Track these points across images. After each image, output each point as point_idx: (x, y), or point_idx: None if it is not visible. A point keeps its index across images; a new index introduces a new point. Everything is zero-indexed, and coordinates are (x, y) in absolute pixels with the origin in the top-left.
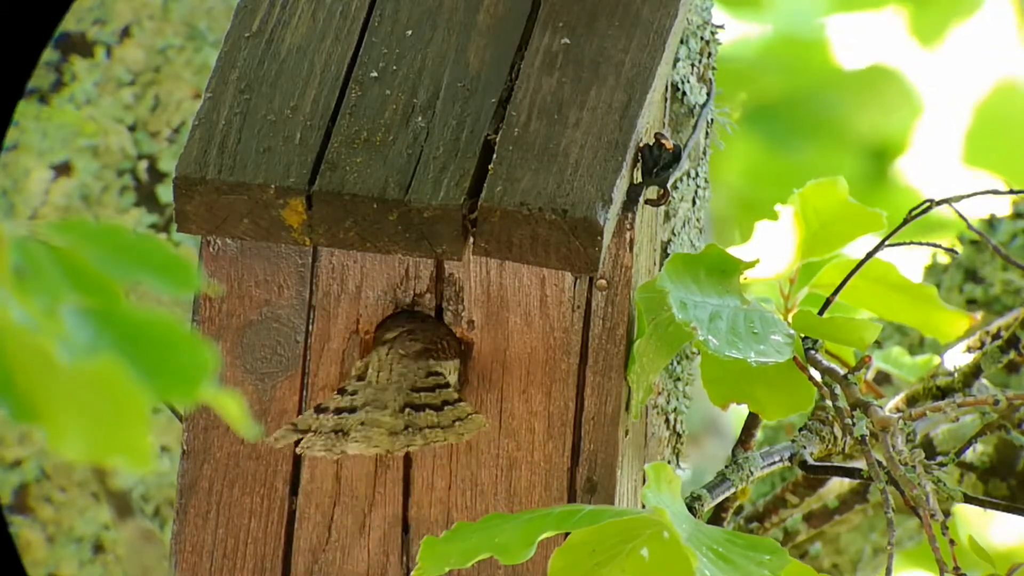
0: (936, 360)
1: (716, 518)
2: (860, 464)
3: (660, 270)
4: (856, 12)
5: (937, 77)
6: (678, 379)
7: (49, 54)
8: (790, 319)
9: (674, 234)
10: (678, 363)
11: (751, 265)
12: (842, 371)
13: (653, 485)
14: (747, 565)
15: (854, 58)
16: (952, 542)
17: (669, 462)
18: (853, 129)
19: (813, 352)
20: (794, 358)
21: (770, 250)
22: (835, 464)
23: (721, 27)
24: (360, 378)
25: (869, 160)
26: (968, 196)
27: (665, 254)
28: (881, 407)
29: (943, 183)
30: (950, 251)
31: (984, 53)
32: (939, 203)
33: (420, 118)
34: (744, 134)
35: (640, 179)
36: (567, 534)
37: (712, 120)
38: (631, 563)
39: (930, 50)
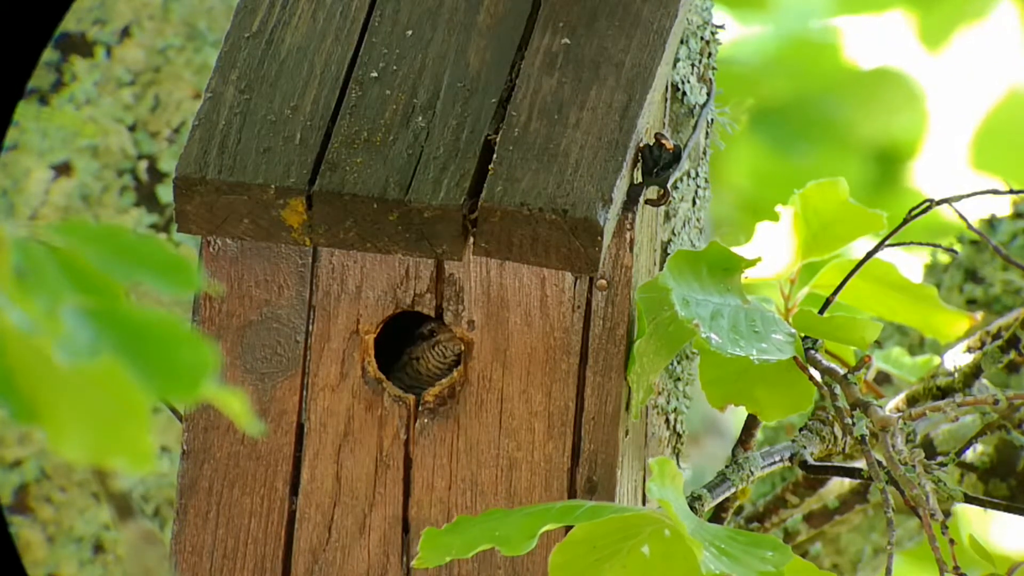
0: (936, 360)
1: (716, 518)
2: (860, 464)
3: (660, 270)
4: (861, 14)
5: (944, 81)
6: (678, 379)
7: (49, 54)
8: (790, 319)
9: (674, 234)
10: (678, 363)
11: (752, 263)
12: (842, 371)
13: (657, 479)
14: (750, 561)
15: (860, 61)
16: (952, 542)
17: None
18: (859, 133)
19: (813, 352)
20: (794, 358)
21: (771, 250)
22: (835, 464)
23: (721, 27)
24: None
25: (875, 164)
26: (968, 196)
27: (665, 254)
28: (881, 407)
29: (950, 188)
30: (950, 251)
31: (991, 58)
32: (939, 203)
33: (420, 118)
34: (750, 137)
35: (640, 179)
36: (567, 531)
37: (712, 120)
38: (632, 560)
39: (936, 54)
